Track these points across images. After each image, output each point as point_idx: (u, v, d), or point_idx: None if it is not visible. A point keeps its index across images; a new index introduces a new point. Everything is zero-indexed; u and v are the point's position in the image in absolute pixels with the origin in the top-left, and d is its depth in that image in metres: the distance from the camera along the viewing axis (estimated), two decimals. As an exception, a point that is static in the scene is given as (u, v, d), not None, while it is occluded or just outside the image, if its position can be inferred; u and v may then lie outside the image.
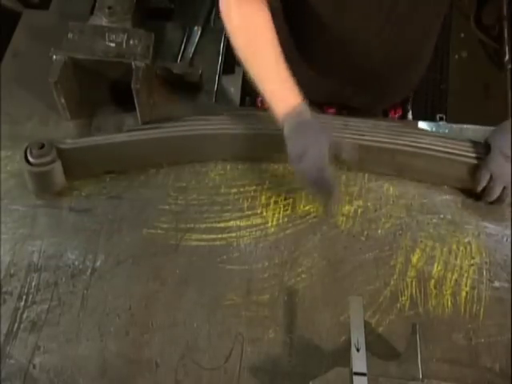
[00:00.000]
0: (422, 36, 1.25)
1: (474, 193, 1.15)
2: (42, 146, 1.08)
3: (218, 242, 1.10)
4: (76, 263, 1.07)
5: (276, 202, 1.15)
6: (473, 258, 1.09)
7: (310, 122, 1.03)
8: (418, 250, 1.10)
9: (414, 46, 1.26)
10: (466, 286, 1.06)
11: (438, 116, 1.76)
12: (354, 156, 1.07)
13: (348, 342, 0.97)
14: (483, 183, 1.11)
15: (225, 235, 1.11)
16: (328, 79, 1.29)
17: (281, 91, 1.05)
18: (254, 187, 1.17)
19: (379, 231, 1.13)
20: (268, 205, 1.15)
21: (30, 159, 1.08)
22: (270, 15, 1.08)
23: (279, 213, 1.14)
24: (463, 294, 1.06)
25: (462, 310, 1.04)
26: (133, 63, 1.18)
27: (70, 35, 1.20)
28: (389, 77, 1.30)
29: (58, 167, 1.11)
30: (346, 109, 1.36)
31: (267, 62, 1.06)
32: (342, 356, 0.96)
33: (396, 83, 1.35)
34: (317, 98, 1.21)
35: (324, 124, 1.06)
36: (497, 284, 1.07)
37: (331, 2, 1.13)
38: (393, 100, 1.43)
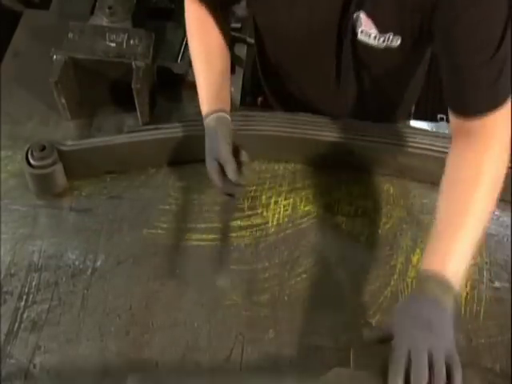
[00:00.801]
0: (397, 85, 1.22)
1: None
2: (43, 148, 1.08)
3: (218, 242, 1.10)
4: (76, 263, 1.07)
5: (276, 202, 1.15)
6: (473, 258, 1.09)
7: (207, 132, 1.05)
8: (418, 250, 1.10)
9: (389, 95, 1.24)
10: (466, 286, 1.06)
11: (438, 116, 1.76)
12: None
13: (347, 342, 0.98)
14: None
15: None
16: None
17: (205, 92, 1.09)
18: (254, 187, 1.17)
19: (379, 231, 1.13)
20: (268, 205, 1.15)
21: (32, 161, 1.09)
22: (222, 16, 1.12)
23: (279, 213, 1.14)
24: (463, 294, 1.05)
25: (463, 310, 1.04)
26: (133, 63, 1.18)
27: (70, 35, 1.20)
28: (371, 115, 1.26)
29: (59, 169, 1.11)
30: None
31: (203, 64, 1.11)
32: (342, 356, 0.96)
33: (382, 116, 1.31)
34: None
35: (215, 132, 1.04)
36: (497, 284, 1.07)
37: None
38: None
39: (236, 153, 1.03)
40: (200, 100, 1.09)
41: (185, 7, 1.13)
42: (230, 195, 1.05)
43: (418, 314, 0.82)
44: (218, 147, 1.01)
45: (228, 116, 1.06)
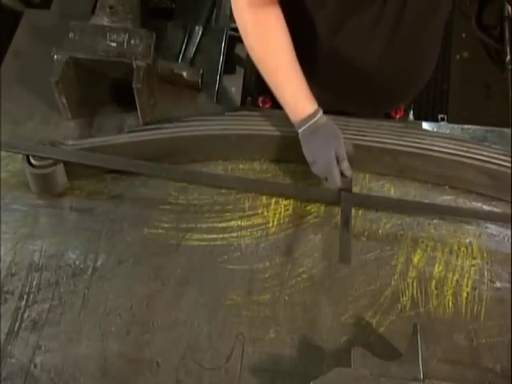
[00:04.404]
0: (426, 49, 1.25)
1: (475, 193, 1.15)
2: (44, 148, 1.08)
3: (218, 242, 1.10)
4: (77, 263, 1.07)
5: (277, 202, 1.15)
6: (474, 258, 1.09)
7: (319, 130, 1.08)
8: (418, 251, 1.10)
9: (418, 60, 1.25)
10: (467, 286, 1.06)
11: (439, 116, 1.76)
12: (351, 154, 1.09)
13: (348, 342, 0.98)
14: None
15: (226, 235, 1.11)
16: (327, 92, 1.29)
17: (294, 99, 1.09)
18: (255, 187, 1.17)
19: (380, 231, 1.13)
20: (269, 205, 1.15)
21: (32, 161, 1.09)
22: (281, 13, 1.09)
23: (280, 213, 1.14)
24: (464, 294, 1.06)
25: (463, 310, 1.04)
26: (134, 63, 1.18)
27: (71, 35, 1.20)
28: (392, 89, 1.30)
29: (60, 169, 1.11)
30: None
31: (281, 67, 1.09)
32: (343, 356, 0.96)
33: (399, 93, 1.35)
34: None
35: (332, 129, 1.09)
36: (498, 284, 1.07)
37: (326, 27, 1.15)
38: (396, 106, 1.42)
39: None
40: (293, 103, 1.09)
41: (236, 16, 1.10)
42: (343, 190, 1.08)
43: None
44: (338, 143, 1.05)
45: None
